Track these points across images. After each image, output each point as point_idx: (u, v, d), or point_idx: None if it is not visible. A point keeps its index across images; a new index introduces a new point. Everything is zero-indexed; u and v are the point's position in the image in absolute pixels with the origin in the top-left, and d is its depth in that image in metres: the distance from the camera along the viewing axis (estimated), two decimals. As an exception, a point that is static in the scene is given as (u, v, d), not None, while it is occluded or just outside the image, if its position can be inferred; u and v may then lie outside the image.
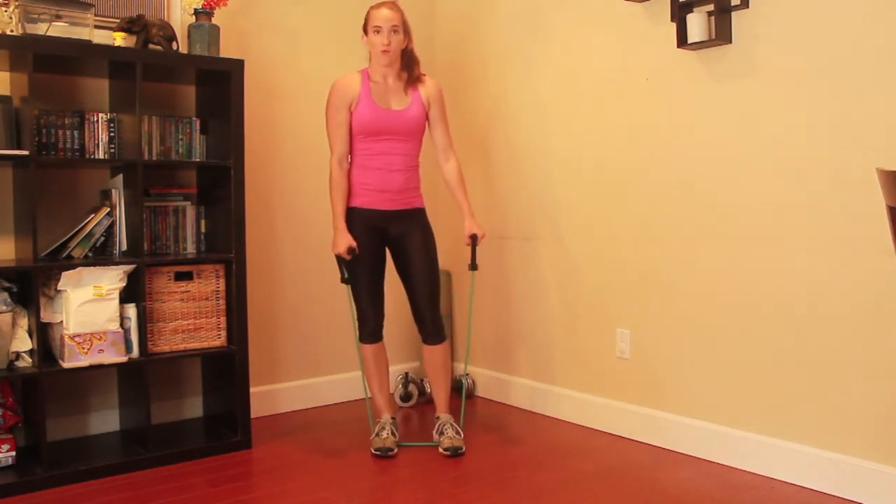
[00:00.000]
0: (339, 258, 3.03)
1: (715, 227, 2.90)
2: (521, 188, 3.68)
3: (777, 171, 2.70)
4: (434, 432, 3.15)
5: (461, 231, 3.18)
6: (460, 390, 3.88)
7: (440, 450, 3.05)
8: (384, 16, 2.96)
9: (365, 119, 3.00)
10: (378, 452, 2.98)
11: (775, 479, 2.71)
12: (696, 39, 2.83)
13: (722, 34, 2.79)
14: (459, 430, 3.13)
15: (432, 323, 3.12)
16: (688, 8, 2.89)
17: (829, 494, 2.56)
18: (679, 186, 3.01)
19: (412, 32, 3.08)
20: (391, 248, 3.16)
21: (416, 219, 3.12)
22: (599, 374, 3.34)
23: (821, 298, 2.59)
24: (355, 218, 3.06)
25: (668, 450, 3.05)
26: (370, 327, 3.11)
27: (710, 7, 2.82)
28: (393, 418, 3.14)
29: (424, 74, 3.14)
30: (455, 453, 3.01)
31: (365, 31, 3.02)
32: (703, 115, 2.92)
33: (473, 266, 3.18)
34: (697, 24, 2.82)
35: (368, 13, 3.01)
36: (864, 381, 2.49)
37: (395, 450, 3.01)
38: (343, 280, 3.05)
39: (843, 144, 2.52)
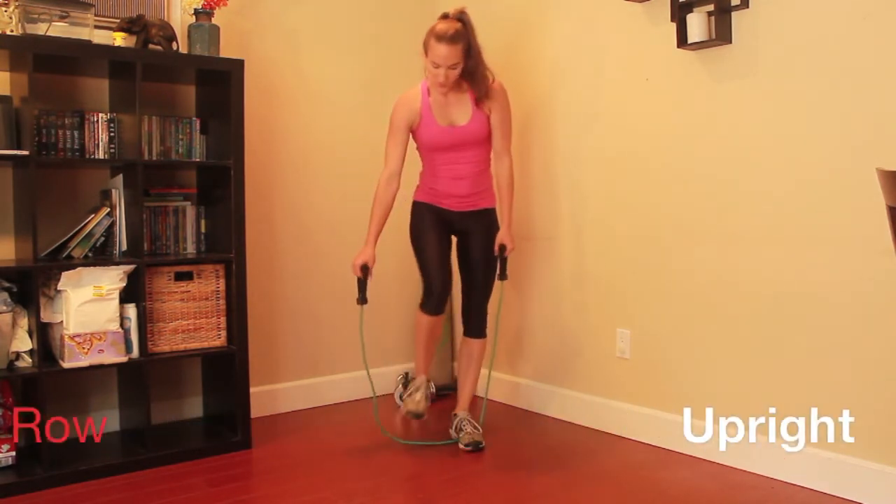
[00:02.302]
0: (358, 278, 3.05)
1: (715, 227, 2.90)
2: (521, 189, 3.67)
3: (777, 171, 2.70)
4: (451, 429, 3.18)
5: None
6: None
7: (461, 445, 3.07)
8: (442, 54, 2.84)
9: (428, 139, 3.02)
10: (410, 415, 3.05)
11: (775, 479, 2.71)
12: (696, 39, 2.83)
13: (722, 34, 2.79)
14: (477, 425, 3.15)
15: (478, 318, 3.19)
16: (688, 8, 2.89)
17: (829, 494, 2.56)
18: (679, 186, 3.01)
19: (478, 45, 2.94)
20: (456, 238, 3.20)
21: (482, 218, 3.14)
22: (599, 374, 3.34)
23: (821, 298, 2.59)
24: (424, 209, 3.12)
25: (668, 450, 3.05)
26: (436, 298, 3.07)
27: (710, 7, 2.82)
28: (428, 381, 3.18)
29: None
30: (476, 448, 3.05)
31: (425, 52, 2.92)
32: (703, 116, 2.92)
33: (502, 275, 3.18)
34: (697, 24, 2.82)
35: (429, 40, 2.88)
36: (864, 380, 2.49)
37: (426, 415, 3.09)
38: (358, 301, 3.05)
39: (843, 144, 2.52)
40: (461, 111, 3.02)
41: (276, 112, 3.60)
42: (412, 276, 3.41)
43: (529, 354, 3.68)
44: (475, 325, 3.18)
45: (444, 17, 2.94)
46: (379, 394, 3.36)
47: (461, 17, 2.92)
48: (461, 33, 2.88)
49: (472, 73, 2.95)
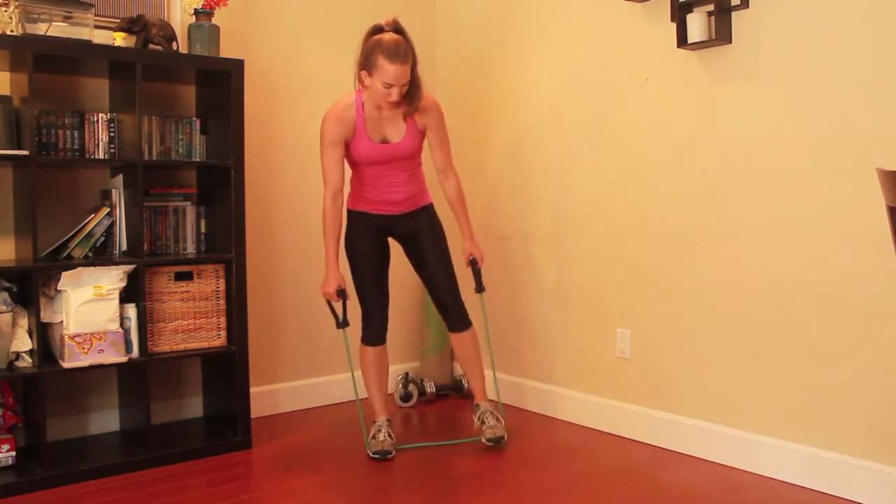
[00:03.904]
0: (329, 303, 3.01)
1: (714, 227, 2.90)
2: (521, 188, 3.68)
3: (777, 171, 2.70)
4: (474, 418, 3.17)
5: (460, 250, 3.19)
6: (461, 391, 3.90)
7: (483, 440, 3.07)
8: (396, 74, 2.73)
9: (360, 156, 2.94)
10: (377, 455, 2.97)
11: (775, 479, 2.71)
12: (696, 39, 2.83)
13: (722, 34, 2.79)
14: (500, 417, 3.14)
15: (455, 311, 3.12)
16: (688, 8, 2.89)
17: (829, 494, 2.56)
18: (678, 186, 3.01)
19: (417, 54, 2.84)
20: (402, 245, 3.15)
21: (422, 215, 3.09)
22: (599, 374, 3.34)
23: (820, 298, 2.59)
24: (359, 220, 3.05)
25: (668, 450, 3.05)
26: (375, 328, 3.09)
27: (710, 7, 2.82)
28: (388, 420, 3.13)
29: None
30: (498, 443, 3.04)
31: (368, 70, 2.79)
32: (703, 116, 2.92)
33: (479, 288, 3.18)
34: (697, 24, 2.82)
35: (377, 59, 2.74)
36: (863, 381, 2.49)
37: (393, 452, 3.01)
38: (338, 325, 3.02)
39: (843, 144, 2.52)
40: (395, 128, 2.94)
41: (276, 112, 3.61)
42: (411, 273, 3.40)
43: (529, 354, 3.68)
44: (456, 317, 3.12)
45: (379, 29, 2.81)
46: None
47: (399, 28, 2.81)
48: (408, 48, 2.78)
49: (412, 88, 2.84)
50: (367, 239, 3.04)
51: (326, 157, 2.92)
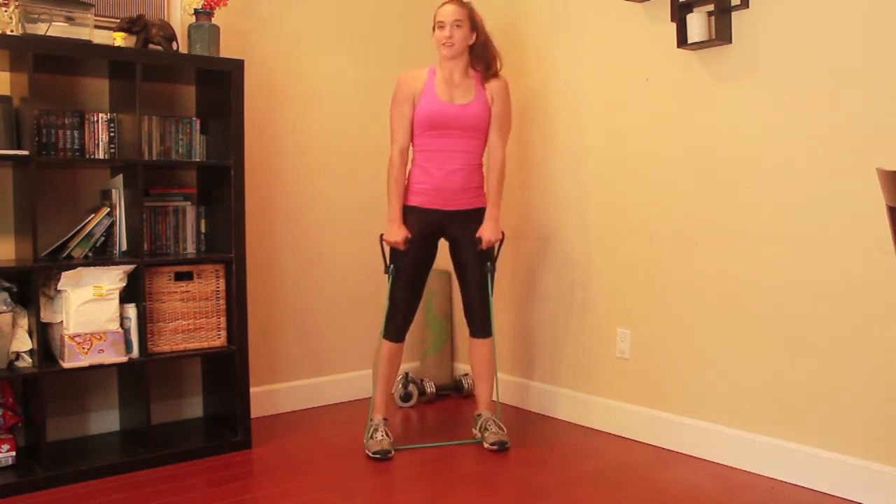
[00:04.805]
0: (383, 248, 3.07)
1: (714, 227, 2.90)
2: (520, 189, 3.68)
3: (777, 171, 2.70)
4: (474, 429, 3.19)
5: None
6: (461, 391, 3.90)
7: (486, 445, 3.07)
8: (446, 11, 2.98)
9: (426, 112, 3.00)
10: (377, 455, 2.97)
11: (775, 479, 2.71)
12: (696, 39, 2.84)
13: (722, 34, 2.79)
14: (502, 425, 3.14)
15: (481, 319, 3.15)
16: (688, 8, 2.89)
17: (829, 494, 2.56)
18: (678, 186, 3.01)
19: (486, 28, 3.07)
20: (449, 242, 3.16)
21: (475, 220, 3.09)
22: (599, 374, 3.34)
23: (820, 298, 2.59)
24: (411, 216, 3.06)
25: (668, 450, 3.05)
26: (397, 325, 3.10)
27: (710, 7, 2.82)
28: (385, 419, 3.13)
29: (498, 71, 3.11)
30: (502, 447, 3.04)
31: (433, 28, 3.03)
32: (703, 116, 2.92)
33: (488, 268, 3.15)
34: (697, 24, 2.83)
35: (436, 10, 3.04)
36: (863, 381, 2.49)
37: (393, 452, 3.01)
38: (386, 270, 3.08)
39: (843, 144, 2.52)
40: (464, 93, 3.04)
41: (276, 112, 3.60)
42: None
43: (529, 355, 3.68)
44: (480, 325, 3.15)
45: None
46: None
47: None
48: (465, 2, 3.02)
49: (482, 52, 3.04)
50: (415, 240, 3.04)
51: (395, 114, 3.07)
